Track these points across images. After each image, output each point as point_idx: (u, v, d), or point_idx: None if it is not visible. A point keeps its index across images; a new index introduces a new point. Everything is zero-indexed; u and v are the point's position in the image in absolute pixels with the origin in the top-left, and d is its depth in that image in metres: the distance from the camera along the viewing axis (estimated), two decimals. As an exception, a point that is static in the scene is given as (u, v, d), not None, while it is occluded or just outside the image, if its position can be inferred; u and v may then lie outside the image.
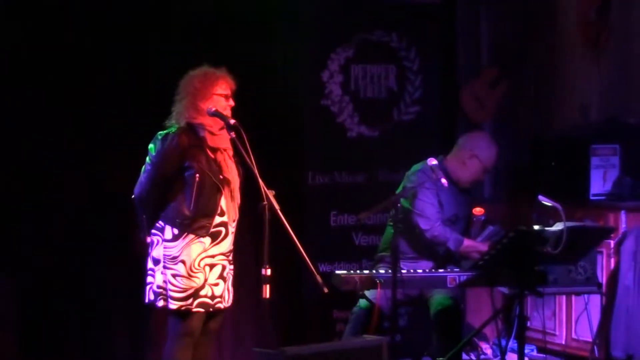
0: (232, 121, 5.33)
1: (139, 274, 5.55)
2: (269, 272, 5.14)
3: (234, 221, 5.48)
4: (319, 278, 5.28)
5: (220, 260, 5.44)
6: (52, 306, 6.49)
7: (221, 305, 5.48)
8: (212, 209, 5.38)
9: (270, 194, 5.21)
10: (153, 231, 5.45)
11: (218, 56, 5.78)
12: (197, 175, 5.35)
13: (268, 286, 5.13)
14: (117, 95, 6.58)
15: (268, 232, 5.12)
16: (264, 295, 5.12)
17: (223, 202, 5.41)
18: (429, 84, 7.69)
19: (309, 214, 7.27)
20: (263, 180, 5.20)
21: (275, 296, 5.19)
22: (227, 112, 5.44)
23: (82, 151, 6.52)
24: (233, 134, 5.33)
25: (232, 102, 5.48)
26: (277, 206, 5.19)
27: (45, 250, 6.46)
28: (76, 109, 6.52)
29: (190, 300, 5.36)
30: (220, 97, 5.44)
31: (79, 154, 6.51)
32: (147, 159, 5.42)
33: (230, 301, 5.55)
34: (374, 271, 6.02)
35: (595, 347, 6.83)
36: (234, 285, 5.57)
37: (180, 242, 5.37)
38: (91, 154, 6.52)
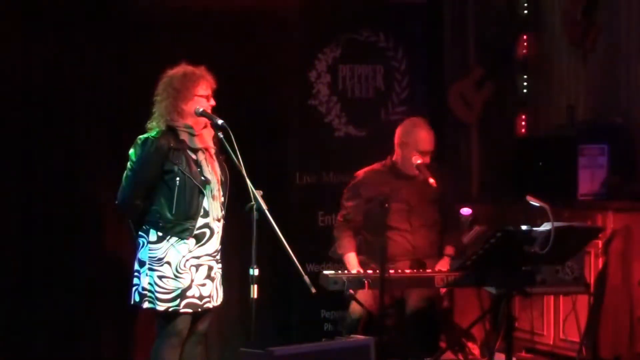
0: (220, 121, 5.29)
1: (127, 275, 5.52)
2: (257, 272, 5.13)
3: (218, 220, 5.45)
4: (306, 278, 5.26)
5: (206, 261, 5.42)
6: (39, 307, 6.47)
7: (210, 305, 5.45)
8: (194, 212, 5.35)
9: (258, 194, 5.19)
10: (139, 233, 5.43)
11: (205, 57, 5.76)
12: (177, 178, 5.32)
13: (256, 286, 5.12)
14: (102, 96, 6.57)
15: (256, 232, 5.11)
16: (252, 295, 5.12)
17: (206, 203, 5.38)
18: (416, 84, 7.70)
19: (296, 214, 7.27)
20: (251, 180, 5.18)
21: (263, 296, 5.18)
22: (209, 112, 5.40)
23: (68, 152, 6.50)
24: (221, 134, 5.30)
25: (213, 102, 5.44)
26: (265, 206, 5.17)
27: (32, 250, 6.44)
28: (61, 110, 6.51)
29: (177, 301, 5.33)
30: (201, 98, 5.40)
31: (64, 155, 6.49)
32: (128, 164, 5.39)
33: (220, 300, 5.53)
34: (361, 271, 6.00)
35: (583, 348, 6.83)
36: (222, 285, 5.55)
37: (164, 244, 5.34)
38: (77, 155, 6.50)
